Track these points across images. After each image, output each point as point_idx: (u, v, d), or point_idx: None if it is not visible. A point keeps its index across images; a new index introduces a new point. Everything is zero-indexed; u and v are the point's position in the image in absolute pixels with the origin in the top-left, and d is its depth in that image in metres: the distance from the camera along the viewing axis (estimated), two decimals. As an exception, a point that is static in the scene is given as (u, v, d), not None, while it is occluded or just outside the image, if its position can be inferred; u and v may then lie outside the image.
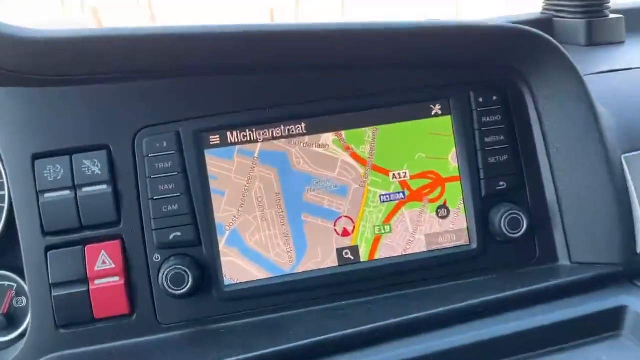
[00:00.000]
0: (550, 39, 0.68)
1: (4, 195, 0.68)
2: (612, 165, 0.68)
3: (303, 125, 0.69)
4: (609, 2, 1.05)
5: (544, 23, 1.08)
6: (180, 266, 0.64)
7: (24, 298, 0.69)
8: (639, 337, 0.63)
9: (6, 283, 0.70)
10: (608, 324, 0.64)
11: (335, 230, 0.70)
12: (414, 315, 0.63)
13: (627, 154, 0.69)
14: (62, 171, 0.65)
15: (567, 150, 0.71)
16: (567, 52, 0.69)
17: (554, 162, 0.72)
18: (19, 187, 0.65)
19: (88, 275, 0.64)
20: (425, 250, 0.71)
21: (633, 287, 0.68)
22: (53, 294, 0.64)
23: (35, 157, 0.65)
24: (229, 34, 0.62)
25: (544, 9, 1.12)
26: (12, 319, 0.70)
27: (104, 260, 0.64)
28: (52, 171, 0.65)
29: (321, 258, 0.70)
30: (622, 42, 1.04)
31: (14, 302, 0.70)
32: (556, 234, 0.73)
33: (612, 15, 1.05)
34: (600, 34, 1.03)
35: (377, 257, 0.70)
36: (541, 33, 0.68)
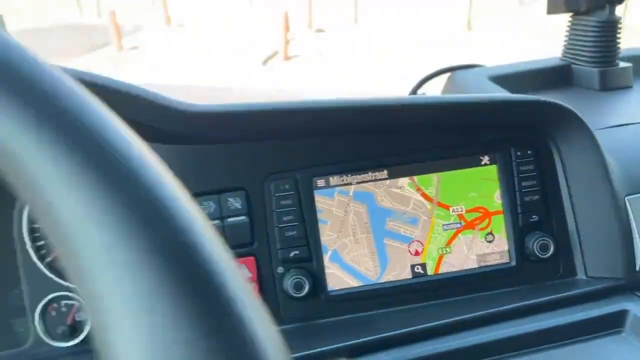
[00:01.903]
0: (574, 110, 0.73)
1: None
2: (617, 204, 0.73)
3: (386, 172, 0.77)
4: (619, 53, 1.07)
5: (564, 69, 1.11)
6: (299, 276, 0.73)
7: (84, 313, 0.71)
8: (638, 334, 0.68)
9: (71, 302, 0.73)
10: (613, 324, 0.69)
11: (409, 251, 0.77)
12: (468, 315, 0.70)
13: (629, 196, 0.75)
14: (213, 206, 0.74)
15: (583, 192, 0.77)
16: (585, 121, 0.73)
17: (574, 200, 0.78)
18: None
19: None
20: (477, 266, 0.77)
21: (633, 295, 0.73)
22: None
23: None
24: (352, 108, 0.71)
25: (564, 55, 1.14)
26: (74, 330, 0.73)
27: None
28: (206, 206, 0.73)
29: (398, 272, 0.77)
30: (630, 87, 1.07)
31: (76, 316, 0.74)
32: (575, 255, 0.78)
33: (622, 64, 1.07)
34: (611, 80, 1.07)
35: (440, 271, 0.77)
36: (568, 106, 0.73)
